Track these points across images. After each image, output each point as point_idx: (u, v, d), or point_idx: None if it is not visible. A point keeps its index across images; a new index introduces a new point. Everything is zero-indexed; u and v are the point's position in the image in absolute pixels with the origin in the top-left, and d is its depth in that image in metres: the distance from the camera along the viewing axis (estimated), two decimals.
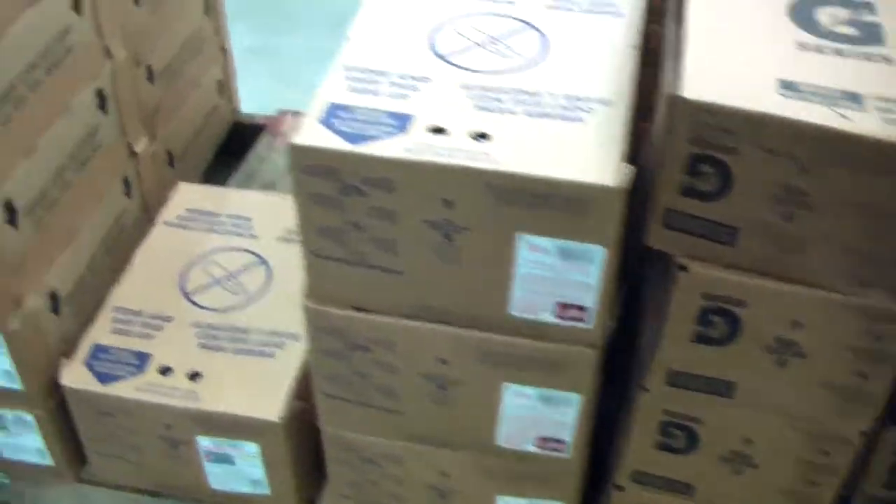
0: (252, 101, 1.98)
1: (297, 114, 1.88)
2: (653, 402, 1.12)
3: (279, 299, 1.35)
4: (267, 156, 1.79)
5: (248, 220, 1.47)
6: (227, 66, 1.84)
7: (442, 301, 1.06)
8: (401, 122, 0.99)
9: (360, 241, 1.03)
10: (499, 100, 1.02)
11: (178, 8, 1.62)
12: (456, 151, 0.95)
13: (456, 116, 1.00)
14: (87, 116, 1.33)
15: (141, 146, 1.47)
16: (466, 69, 1.07)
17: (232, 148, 1.86)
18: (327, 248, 1.05)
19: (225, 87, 1.85)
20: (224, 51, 1.82)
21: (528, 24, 1.13)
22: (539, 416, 1.13)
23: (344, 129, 0.98)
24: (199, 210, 1.49)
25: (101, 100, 1.35)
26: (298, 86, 2.29)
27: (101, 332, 1.33)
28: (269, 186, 1.72)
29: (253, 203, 1.51)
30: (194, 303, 1.35)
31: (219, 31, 1.78)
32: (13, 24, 1.16)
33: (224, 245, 1.43)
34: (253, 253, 1.41)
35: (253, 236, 1.44)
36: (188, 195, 1.52)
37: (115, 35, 1.36)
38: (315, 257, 1.06)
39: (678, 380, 1.09)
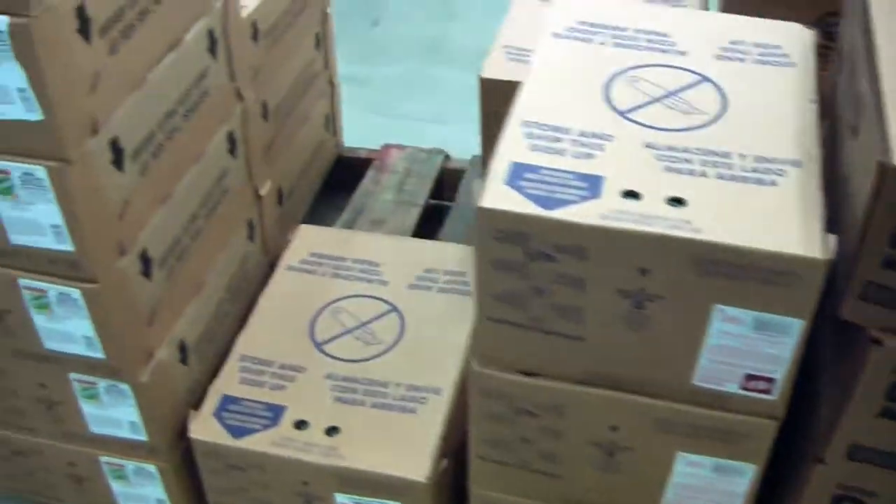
0: (347, 132, 1.94)
1: (401, 147, 1.85)
2: (828, 475, 1.07)
3: (415, 351, 1.31)
4: (374, 191, 1.75)
5: (376, 265, 1.43)
6: (335, 99, 1.80)
7: (621, 368, 1.02)
8: (591, 185, 0.95)
9: (540, 307, 0.99)
10: (688, 161, 0.98)
11: (294, 43, 1.58)
12: (654, 219, 0.91)
13: (646, 179, 0.96)
14: (218, 161, 1.29)
15: (265, 188, 1.43)
16: (648, 126, 1.02)
17: (334, 182, 1.82)
18: (505, 312, 1.00)
19: (331, 122, 1.81)
20: (332, 84, 1.78)
21: (702, 76, 1.09)
22: (709, 485, 1.09)
23: (534, 192, 0.94)
24: (324, 254, 1.44)
25: (232, 143, 1.32)
26: (393, 116, 2.25)
27: (229, 383, 1.29)
28: (377, 223, 1.68)
29: (379, 247, 1.47)
30: (326, 353, 1.31)
31: (328, 65, 1.74)
32: (155, 69, 1.13)
33: (353, 291, 1.39)
34: (384, 301, 1.37)
35: (382, 282, 1.40)
36: (310, 238, 1.48)
37: (244, 76, 1.32)
38: (489, 321, 1.02)
39: (859, 454, 1.04)
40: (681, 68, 1.11)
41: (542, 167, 0.97)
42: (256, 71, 1.44)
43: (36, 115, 0.98)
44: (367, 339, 1.32)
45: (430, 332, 1.33)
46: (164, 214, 1.18)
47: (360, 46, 2.45)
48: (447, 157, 1.86)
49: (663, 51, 1.13)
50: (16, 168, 1.03)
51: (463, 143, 1.93)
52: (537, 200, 0.93)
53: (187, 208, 1.23)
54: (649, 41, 1.14)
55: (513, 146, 1.00)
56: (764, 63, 1.12)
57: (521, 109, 1.05)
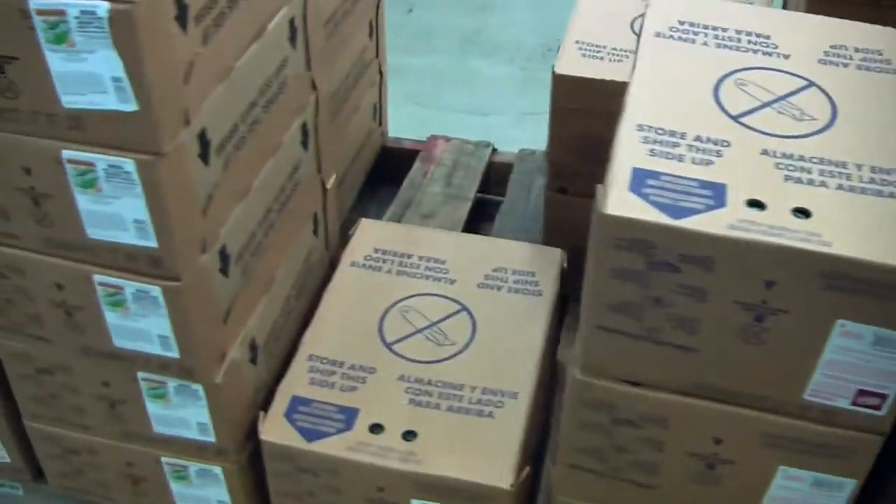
0: (390, 123, 1.89)
1: (447, 139, 1.80)
2: None
3: (488, 352, 1.27)
4: (422, 183, 1.71)
5: (442, 262, 1.38)
6: (383, 89, 1.75)
7: (730, 381, 0.99)
8: (716, 193, 0.92)
9: (656, 317, 0.96)
10: (806, 170, 0.95)
11: (351, 31, 1.53)
12: (782, 231, 0.88)
13: (768, 188, 0.93)
14: (292, 154, 1.25)
15: (331, 181, 1.38)
16: (762, 132, 0.99)
17: (377, 173, 1.77)
18: (617, 322, 0.97)
19: (378, 111, 1.76)
20: (381, 74, 1.73)
21: (808, 81, 1.06)
22: (807, 499, 1.06)
23: (659, 199, 0.90)
24: (388, 250, 1.40)
25: (305, 135, 1.27)
26: (432, 107, 2.20)
27: (298, 383, 1.24)
28: (428, 217, 1.64)
29: (444, 243, 1.43)
30: (397, 353, 1.27)
31: (379, 53, 1.69)
32: (241, 59, 1.08)
33: (420, 290, 1.35)
34: (453, 300, 1.33)
35: (450, 281, 1.36)
36: (372, 233, 1.43)
37: (319, 65, 1.28)
38: (599, 330, 0.98)
39: None
40: (786, 72, 1.08)
41: (663, 173, 0.93)
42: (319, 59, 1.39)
43: (130, 106, 0.93)
44: (439, 340, 1.29)
45: (502, 334, 1.29)
46: (243, 209, 1.13)
47: (394, 34, 2.40)
48: (494, 149, 1.82)
49: (767, 53, 1.10)
50: (101, 160, 0.98)
51: (504, 136, 1.90)
52: (663, 208, 0.90)
53: (263, 203, 1.18)
54: (751, 42, 1.11)
55: (631, 151, 0.96)
56: (867, 69, 1.10)
57: (634, 112, 1.01)
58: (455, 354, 1.27)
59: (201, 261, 1.06)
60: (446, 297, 1.34)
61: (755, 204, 0.91)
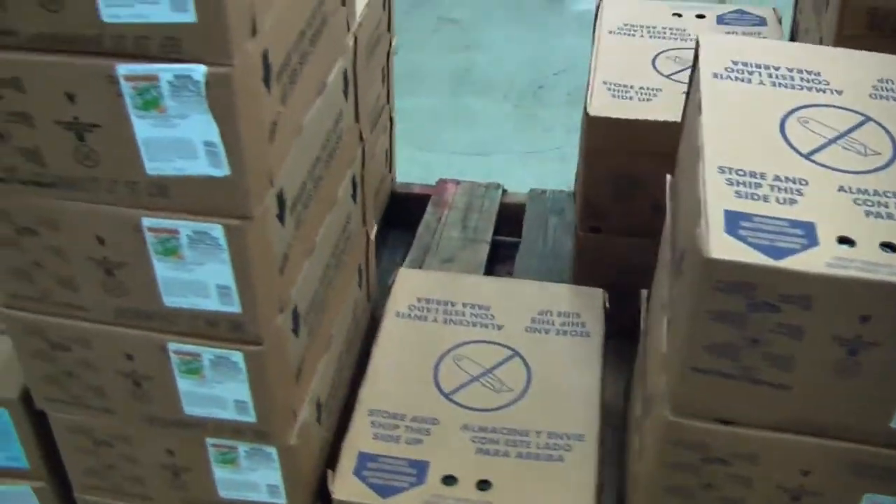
0: None
1: (456, 182, 1.80)
2: None
3: (547, 396, 1.27)
4: (437, 228, 1.71)
5: (487, 308, 1.38)
6: (393, 134, 1.75)
7: (821, 414, 1.00)
8: (807, 232, 0.94)
9: (751, 357, 0.97)
10: (884, 205, 0.98)
11: (370, 79, 1.53)
12: (876, 266, 0.90)
13: (853, 224, 0.95)
14: (345, 207, 1.24)
15: (374, 232, 1.37)
16: (834, 169, 1.02)
17: (388, 219, 1.77)
18: (713, 363, 0.98)
19: (388, 157, 1.76)
20: (391, 120, 1.73)
21: (864, 115, 1.10)
22: None
23: (756, 241, 0.92)
24: (431, 299, 1.39)
25: (354, 188, 1.27)
26: (434, 149, 2.19)
27: (362, 439, 1.23)
28: (448, 261, 1.64)
29: (484, 289, 1.43)
30: (456, 402, 1.26)
31: (390, 99, 1.69)
32: (307, 116, 1.07)
33: (469, 337, 1.34)
34: (503, 346, 1.33)
35: (497, 326, 1.36)
36: (412, 282, 1.43)
37: (365, 116, 1.27)
38: (693, 371, 0.99)
39: None
40: (842, 108, 1.11)
41: (753, 215, 0.95)
42: None
43: (222, 171, 0.92)
44: (496, 387, 1.28)
45: (558, 378, 1.30)
46: (308, 267, 1.12)
47: None
48: (504, 191, 1.83)
49: (820, 90, 1.13)
50: (186, 227, 0.96)
51: (508, 176, 1.91)
52: (763, 250, 0.91)
53: (323, 259, 1.17)
54: (803, 80, 1.14)
55: (718, 193, 0.98)
56: None
57: (712, 154, 1.03)
58: (514, 400, 1.27)
59: (278, 322, 1.05)
60: (496, 343, 1.34)
61: (845, 241, 0.93)
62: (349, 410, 1.27)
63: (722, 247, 0.92)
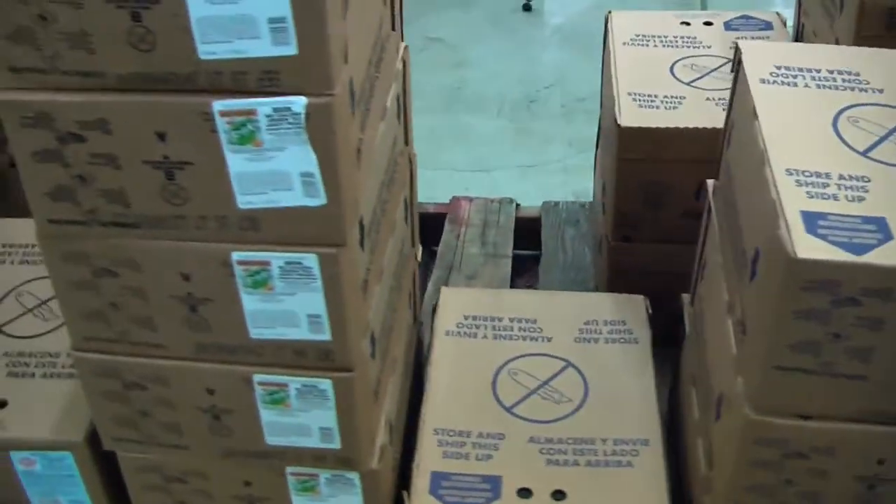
0: None
1: (469, 199, 1.82)
2: None
3: (607, 404, 1.30)
4: (457, 245, 1.72)
5: (533, 321, 1.40)
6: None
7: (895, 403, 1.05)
8: (880, 226, 0.97)
9: (833, 352, 1.00)
10: None
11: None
12: None
13: None
14: (401, 231, 1.25)
15: (419, 254, 1.38)
16: (893, 165, 1.06)
17: None
18: (796, 360, 1.01)
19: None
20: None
21: None
22: None
23: (837, 239, 0.95)
24: (478, 316, 1.41)
25: (406, 210, 1.27)
26: (436, 167, 2.20)
27: (432, 459, 1.23)
28: (472, 278, 1.66)
29: (527, 303, 1.44)
30: (519, 416, 1.28)
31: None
32: (376, 140, 1.08)
33: (521, 351, 1.36)
34: (556, 357, 1.35)
35: (546, 339, 1.38)
36: (456, 300, 1.44)
37: (412, 138, 1.28)
38: (776, 370, 1.02)
39: None
40: (887, 105, 1.15)
41: (828, 214, 0.98)
42: None
43: (318, 200, 0.92)
44: (555, 398, 1.30)
45: (614, 384, 1.32)
46: (380, 291, 1.13)
47: None
48: (518, 205, 1.86)
49: (862, 90, 1.17)
50: (278, 258, 0.96)
51: (514, 190, 1.93)
52: (845, 247, 0.95)
53: (388, 282, 1.18)
54: (845, 81, 1.18)
55: (790, 195, 1.01)
56: None
57: (777, 157, 1.06)
58: (575, 410, 1.29)
59: (363, 348, 1.05)
60: (548, 356, 1.36)
61: None
62: (410, 431, 1.28)
63: (807, 247, 0.95)
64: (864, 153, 1.08)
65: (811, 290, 0.96)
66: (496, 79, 2.44)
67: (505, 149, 2.19)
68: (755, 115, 1.13)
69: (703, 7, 2.72)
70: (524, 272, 1.74)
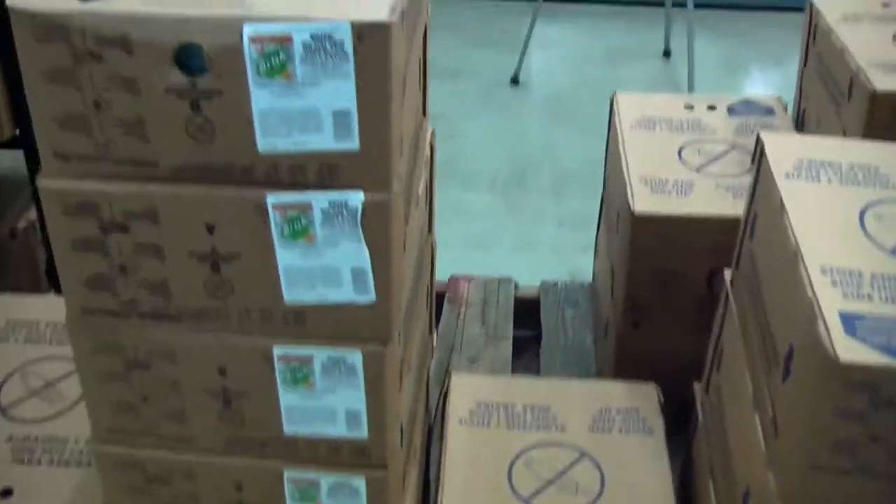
0: None
1: (467, 278, 1.81)
2: None
3: (625, 497, 1.27)
4: (457, 325, 1.71)
5: (546, 408, 1.38)
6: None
7: None
8: None
9: (870, 451, 1.00)
10: None
11: None
12: None
13: None
14: (423, 318, 1.23)
15: (435, 338, 1.37)
16: None
17: None
18: (833, 460, 1.01)
19: None
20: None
21: None
22: None
23: (877, 341, 0.96)
24: (491, 403, 1.39)
25: (427, 297, 1.26)
26: None
27: None
28: (475, 360, 1.64)
29: (539, 389, 1.42)
30: None
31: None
32: (410, 229, 1.07)
33: (536, 440, 1.34)
34: (571, 447, 1.33)
35: (560, 428, 1.36)
36: (466, 386, 1.41)
37: (435, 224, 1.28)
38: (813, 470, 1.02)
39: None
40: None
41: (865, 315, 0.99)
42: None
43: (369, 297, 0.91)
44: (573, 490, 1.28)
45: (631, 476, 1.30)
46: (407, 383, 1.11)
47: None
48: (517, 285, 1.85)
49: (883, 185, 1.19)
50: (321, 354, 0.94)
51: (511, 269, 1.92)
52: (884, 350, 0.95)
53: (414, 373, 1.16)
54: (864, 177, 1.21)
55: (827, 294, 1.01)
56: None
57: (810, 254, 1.07)
58: (593, 502, 1.27)
59: (396, 442, 1.03)
60: (563, 445, 1.34)
61: None
62: None
63: (848, 349, 0.95)
64: (893, 252, 1.10)
65: (850, 391, 0.97)
66: (487, 153, 2.46)
67: (500, 226, 2.19)
68: (783, 209, 1.15)
69: (690, 86, 2.77)
70: (524, 353, 1.73)
